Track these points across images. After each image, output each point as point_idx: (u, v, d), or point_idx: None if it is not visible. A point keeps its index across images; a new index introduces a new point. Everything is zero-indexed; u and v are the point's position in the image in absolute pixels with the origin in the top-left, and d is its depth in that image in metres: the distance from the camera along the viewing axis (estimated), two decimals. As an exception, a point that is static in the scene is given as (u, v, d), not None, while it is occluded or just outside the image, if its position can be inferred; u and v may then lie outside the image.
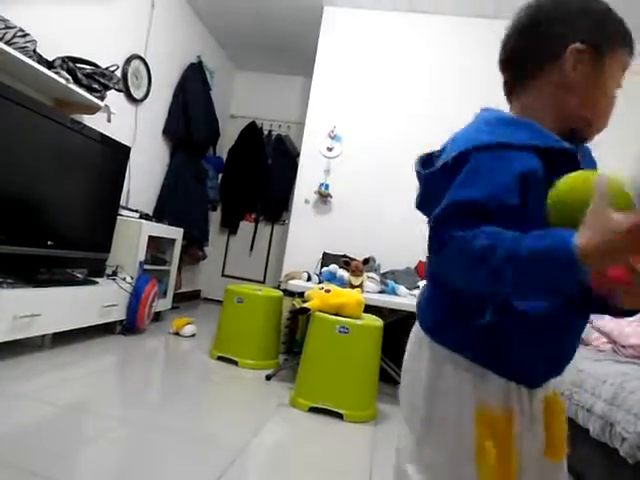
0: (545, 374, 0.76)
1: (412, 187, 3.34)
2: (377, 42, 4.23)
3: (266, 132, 5.62)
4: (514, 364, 0.72)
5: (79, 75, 2.85)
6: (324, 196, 4.13)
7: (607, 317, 2.42)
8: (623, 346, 2.24)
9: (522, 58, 0.76)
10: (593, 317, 2.49)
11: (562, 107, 0.73)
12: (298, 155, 4.39)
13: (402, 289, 3.35)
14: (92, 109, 3.07)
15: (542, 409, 0.75)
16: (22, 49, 2.40)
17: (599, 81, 0.72)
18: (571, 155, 0.67)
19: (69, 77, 2.72)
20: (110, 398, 2.20)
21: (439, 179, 0.71)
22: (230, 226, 5.63)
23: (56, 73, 2.65)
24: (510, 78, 0.80)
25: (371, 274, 3.30)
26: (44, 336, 2.61)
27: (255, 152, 5.42)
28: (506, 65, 0.80)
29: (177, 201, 4.45)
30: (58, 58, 2.76)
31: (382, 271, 3.74)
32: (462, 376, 0.73)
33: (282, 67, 5.63)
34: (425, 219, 0.73)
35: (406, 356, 0.89)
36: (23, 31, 2.40)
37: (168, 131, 4.47)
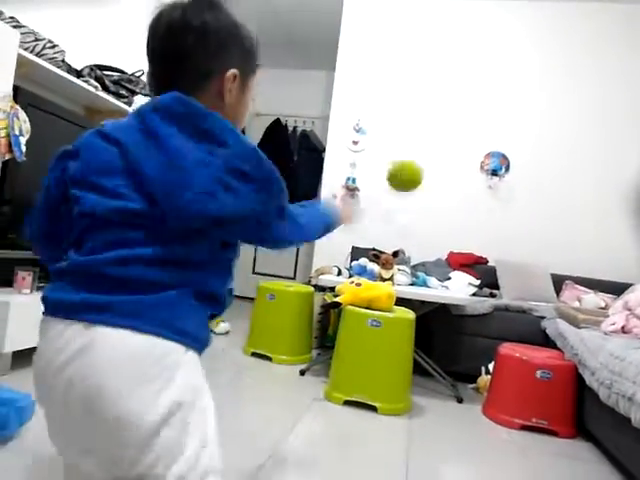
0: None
1: (441, 177, 3.40)
2: (402, 29, 4.18)
3: (291, 128, 5.64)
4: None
5: (107, 82, 2.91)
6: (351, 190, 4.12)
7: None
8: (665, 332, 2.17)
9: (195, 63, 0.82)
10: (633, 305, 2.42)
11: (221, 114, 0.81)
12: (324, 150, 4.39)
13: (433, 281, 3.32)
14: (120, 114, 3.13)
15: None
16: (51, 60, 2.47)
17: (243, 99, 0.88)
18: None
19: (97, 85, 2.79)
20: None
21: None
22: (259, 223, 5.67)
23: (85, 82, 2.72)
24: (174, 72, 0.83)
25: (402, 267, 3.28)
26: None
27: (281, 149, 5.45)
28: (173, 59, 0.83)
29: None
30: (86, 67, 2.83)
31: (412, 263, 3.71)
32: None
33: (305, 62, 5.62)
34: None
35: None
36: (52, 42, 2.47)
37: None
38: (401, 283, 3.08)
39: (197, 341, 0.76)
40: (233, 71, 0.83)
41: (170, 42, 0.82)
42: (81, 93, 2.80)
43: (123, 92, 3.03)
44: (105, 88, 2.89)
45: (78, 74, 2.75)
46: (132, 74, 3.14)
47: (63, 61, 2.58)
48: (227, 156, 0.73)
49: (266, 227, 0.79)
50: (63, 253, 0.76)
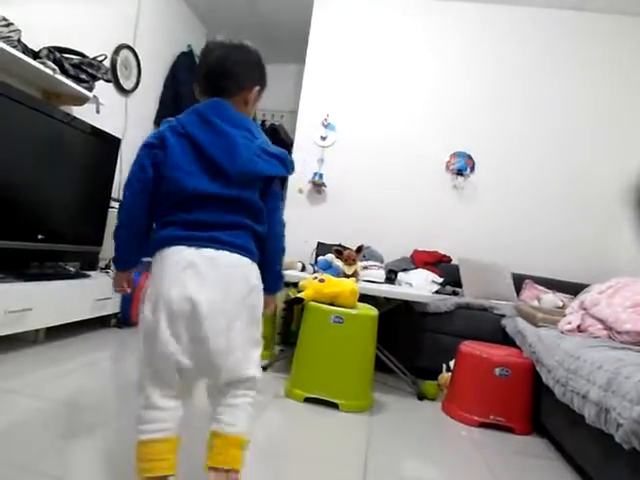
0: None
1: (407, 175, 3.38)
2: (371, 25, 4.18)
3: (259, 122, 5.57)
4: None
5: (66, 65, 2.80)
6: (318, 185, 4.10)
7: (603, 304, 2.41)
8: (619, 332, 2.22)
9: (236, 80, 1.31)
10: (588, 305, 2.48)
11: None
12: (292, 144, 4.36)
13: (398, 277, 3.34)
14: (80, 100, 3.02)
15: None
16: (6, 39, 2.35)
17: (256, 105, 1.39)
18: None
19: (55, 67, 2.68)
20: (105, 392, 2.19)
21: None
22: (225, 217, 5.59)
23: (42, 63, 2.60)
24: (228, 86, 1.31)
25: (376, 262, 3.28)
26: (37, 331, 2.59)
27: (248, 142, 5.36)
28: (223, 78, 1.30)
29: (170, 192, 4.41)
30: (44, 48, 2.71)
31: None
32: None
33: (275, 55, 5.53)
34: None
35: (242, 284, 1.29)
36: (6, 20, 2.35)
37: (159, 122, 4.41)
38: (377, 278, 3.07)
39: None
40: (257, 88, 1.35)
41: (221, 67, 1.30)
42: (38, 75, 2.68)
43: (83, 76, 2.91)
44: (64, 71, 2.78)
45: (35, 55, 2.63)
46: (94, 58, 3.02)
47: (19, 41, 2.47)
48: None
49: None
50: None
